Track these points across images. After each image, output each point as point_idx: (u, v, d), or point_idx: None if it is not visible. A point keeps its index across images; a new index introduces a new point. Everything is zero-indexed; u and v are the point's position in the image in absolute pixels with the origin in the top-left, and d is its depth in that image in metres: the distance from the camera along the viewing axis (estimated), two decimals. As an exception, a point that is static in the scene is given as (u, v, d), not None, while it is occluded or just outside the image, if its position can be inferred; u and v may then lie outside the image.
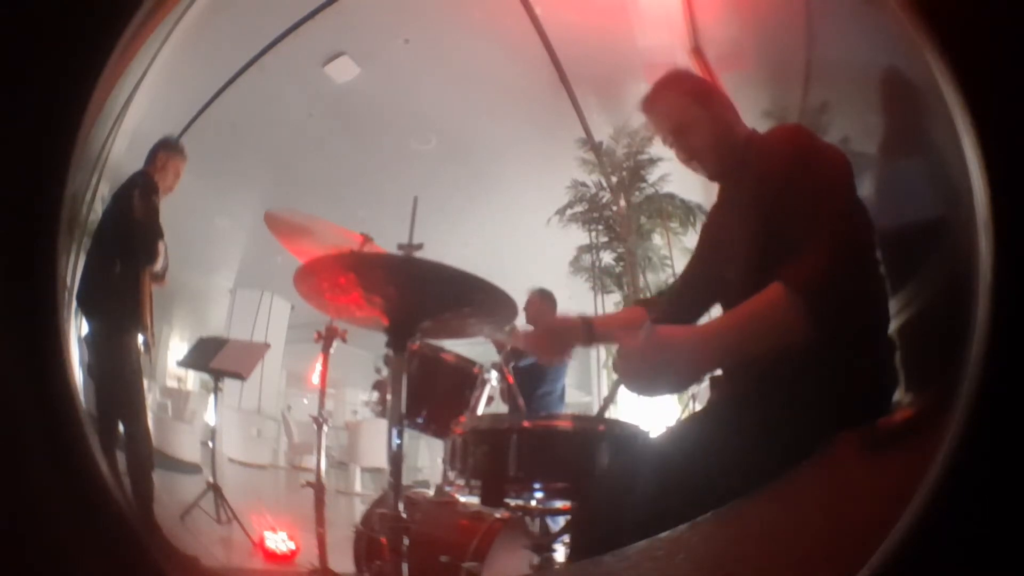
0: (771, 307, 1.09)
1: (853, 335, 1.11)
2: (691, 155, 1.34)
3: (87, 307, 1.31)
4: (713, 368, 1.22)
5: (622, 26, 1.74)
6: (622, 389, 1.46)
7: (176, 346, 1.85)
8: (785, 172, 1.19)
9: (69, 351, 0.95)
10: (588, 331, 1.47)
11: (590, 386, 2.02)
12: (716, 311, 1.30)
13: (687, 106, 1.33)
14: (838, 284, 1.08)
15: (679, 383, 1.16)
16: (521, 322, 1.81)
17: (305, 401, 2.02)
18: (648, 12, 1.72)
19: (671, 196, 1.88)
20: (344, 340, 1.72)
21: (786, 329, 1.09)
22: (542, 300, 1.84)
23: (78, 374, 1.00)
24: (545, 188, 1.90)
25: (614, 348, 1.93)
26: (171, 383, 1.89)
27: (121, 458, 1.39)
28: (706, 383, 1.31)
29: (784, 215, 1.15)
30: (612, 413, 1.95)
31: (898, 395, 1.12)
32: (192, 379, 1.92)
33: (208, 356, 1.86)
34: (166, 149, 1.60)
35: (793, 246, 1.10)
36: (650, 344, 1.17)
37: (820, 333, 1.06)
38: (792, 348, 1.09)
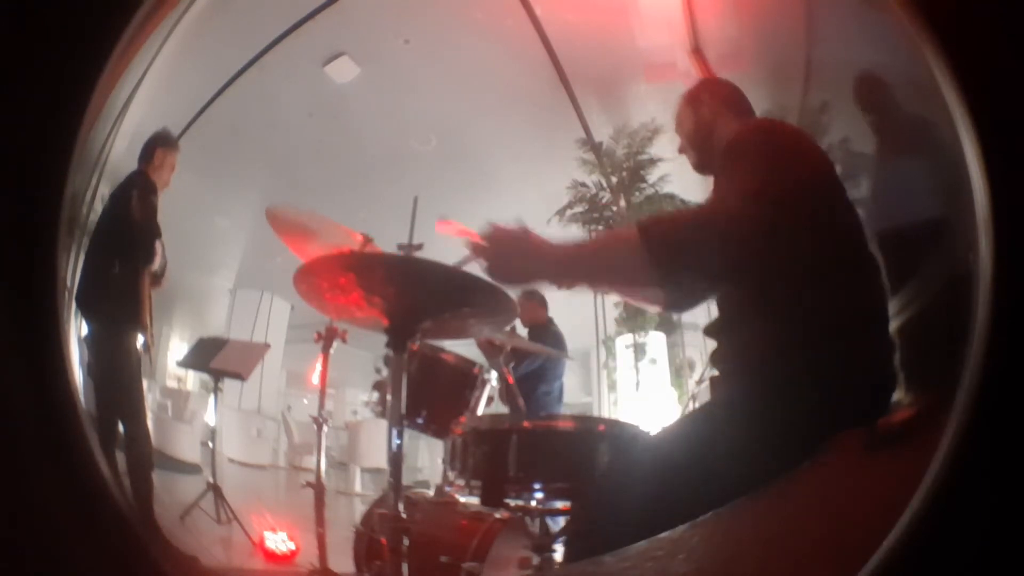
0: (618, 239, 1.25)
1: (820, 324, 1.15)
2: (680, 149, 1.47)
3: (87, 307, 1.31)
4: (561, 280, 1.28)
5: (622, 26, 1.74)
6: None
7: (176, 346, 1.85)
8: (727, 147, 1.29)
9: (69, 351, 0.95)
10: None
11: (590, 386, 2.03)
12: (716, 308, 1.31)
13: (681, 109, 1.46)
14: (684, 233, 1.17)
15: (526, 276, 1.28)
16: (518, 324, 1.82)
17: (305, 401, 2.02)
18: (648, 12, 1.72)
19: (671, 196, 1.88)
20: (344, 340, 1.72)
21: (624, 261, 1.20)
22: (530, 300, 1.85)
23: (78, 374, 1.00)
24: (545, 188, 1.90)
25: (616, 341, 1.95)
26: (171, 383, 1.89)
27: (121, 458, 1.39)
28: (706, 384, 1.31)
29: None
30: (611, 413, 1.96)
31: (898, 395, 1.12)
32: (192, 379, 1.92)
33: (208, 356, 1.86)
34: (163, 146, 1.60)
35: None
36: (518, 235, 1.25)
37: (656, 274, 1.16)
38: (635, 286, 1.22)
